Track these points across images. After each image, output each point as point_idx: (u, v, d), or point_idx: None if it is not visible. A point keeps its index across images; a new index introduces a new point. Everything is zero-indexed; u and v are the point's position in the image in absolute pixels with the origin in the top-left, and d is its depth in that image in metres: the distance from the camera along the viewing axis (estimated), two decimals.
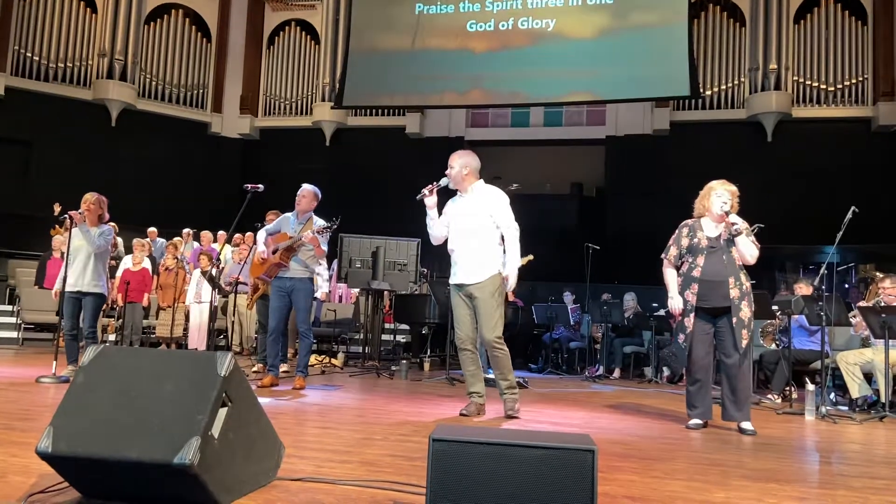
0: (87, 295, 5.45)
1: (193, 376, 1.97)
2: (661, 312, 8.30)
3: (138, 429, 1.89)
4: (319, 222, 5.77)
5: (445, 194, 4.66)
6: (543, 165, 14.67)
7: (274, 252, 5.71)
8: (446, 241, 4.60)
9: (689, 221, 4.53)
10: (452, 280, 4.49)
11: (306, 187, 5.93)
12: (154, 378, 1.98)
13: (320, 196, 5.98)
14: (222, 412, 1.97)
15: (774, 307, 6.13)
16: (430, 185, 4.55)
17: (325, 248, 5.83)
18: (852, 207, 5.21)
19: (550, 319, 9.15)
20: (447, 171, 4.52)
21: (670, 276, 4.52)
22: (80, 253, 5.43)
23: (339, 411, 4.45)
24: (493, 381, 4.57)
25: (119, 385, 1.98)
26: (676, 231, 4.55)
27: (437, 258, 12.52)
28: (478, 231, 4.41)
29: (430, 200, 4.55)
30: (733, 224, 4.26)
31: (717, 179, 4.49)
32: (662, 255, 4.56)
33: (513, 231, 4.41)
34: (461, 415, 4.36)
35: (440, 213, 4.65)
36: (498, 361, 4.37)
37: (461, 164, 4.49)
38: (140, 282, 8.43)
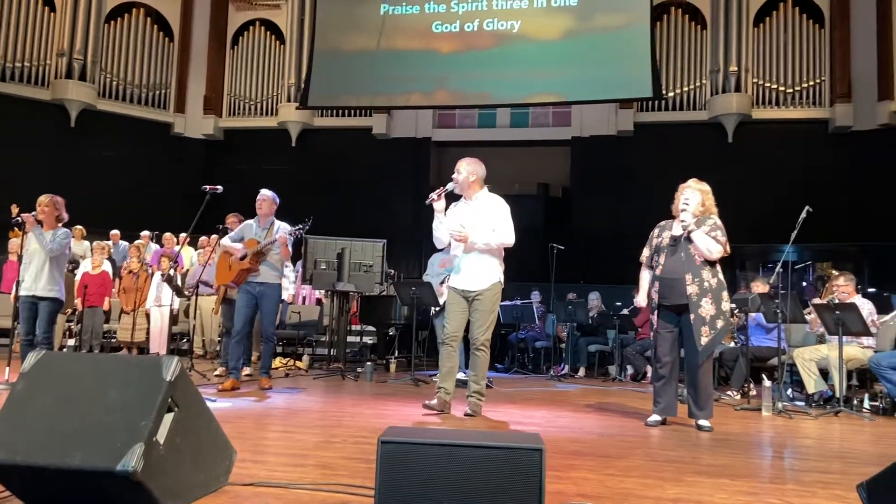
0: (42, 300, 5.33)
1: (138, 382, 1.94)
2: (625, 311, 8.39)
3: (81, 436, 1.85)
4: (284, 226, 5.78)
5: (449, 197, 4.72)
6: (510, 166, 14.71)
7: (242, 258, 5.69)
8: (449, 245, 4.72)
9: (662, 222, 4.60)
10: (454, 283, 4.62)
11: (265, 193, 5.96)
12: (97, 384, 1.95)
13: (278, 201, 6.00)
14: (168, 418, 1.94)
15: (732, 305, 6.23)
16: (439, 190, 4.64)
17: (290, 249, 5.86)
18: (806, 207, 5.33)
19: (517, 319, 9.19)
20: (454, 176, 4.64)
21: (642, 277, 4.66)
22: (36, 257, 5.31)
23: (300, 415, 4.41)
24: (466, 382, 4.65)
25: (61, 391, 1.94)
26: (651, 232, 4.63)
27: (403, 259, 12.55)
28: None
29: (439, 205, 4.63)
30: (682, 221, 4.34)
31: (689, 179, 4.57)
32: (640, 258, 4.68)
33: (508, 240, 4.54)
34: (424, 406, 4.46)
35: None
36: (478, 362, 4.50)
37: (469, 170, 4.62)
38: (100, 285, 8.28)
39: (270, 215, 5.92)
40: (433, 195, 4.61)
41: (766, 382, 5.30)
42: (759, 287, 6.42)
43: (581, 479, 2.72)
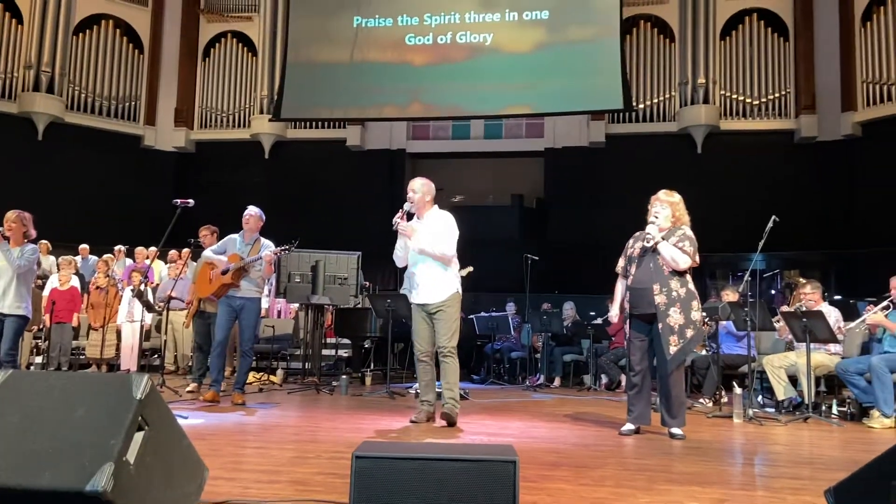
0: (8, 317, 5.22)
1: (107, 400, 1.92)
2: (599, 321, 8.46)
3: (49, 456, 1.82)
4: (268, 244, 5.80)
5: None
6: (485, 177, 14.81)
7: (224, 272, 5.67)
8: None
9: (638, 233, 4.65)
10: (413, 299, 4.79)
11: (252, 209, 6.01)
12: (65, 403, 1.92)
13: (265, 218, 6.05)
14: (139, 436, 1.92)
15: (703, 313, 6.31)
16: (399, 213, 4.75)
17: (273, 268, 5.88)
18: (773, 217, 5.43)
19: (492, 330, 9.22)
20: (410, 196, 4.78)
21: (616, 288, 4.73)
22: (4, 274, 5.20)
23: (274, 430, 4.38)
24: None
25: (28, 411, 1.91)
26: (626, 243, 4.69)
27: (378, 271, 12.51)
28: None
29: (405, 225, 4.72)
30: (647, 233, 4.41)
31: (660, 191, 4.63)
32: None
33: (447, 251, 4.64)
34: (411, 422, 4.62)
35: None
36: (448, 370, 4.63)
37: (424, 190, 4.79)
38: (69, 301, 8.14)
39: (256, 232, 5.97)
40: (397, 219, 4.71)
41: (737, 390, 5.37)
42: (729, 296, 6.52)
43: (556, 489, 2.74)
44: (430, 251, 4.63)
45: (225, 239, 6.04)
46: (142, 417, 1.93)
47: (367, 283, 10.62)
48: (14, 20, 13.02)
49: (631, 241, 4.64)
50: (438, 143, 14.53)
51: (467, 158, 14.48)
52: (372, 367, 8.92)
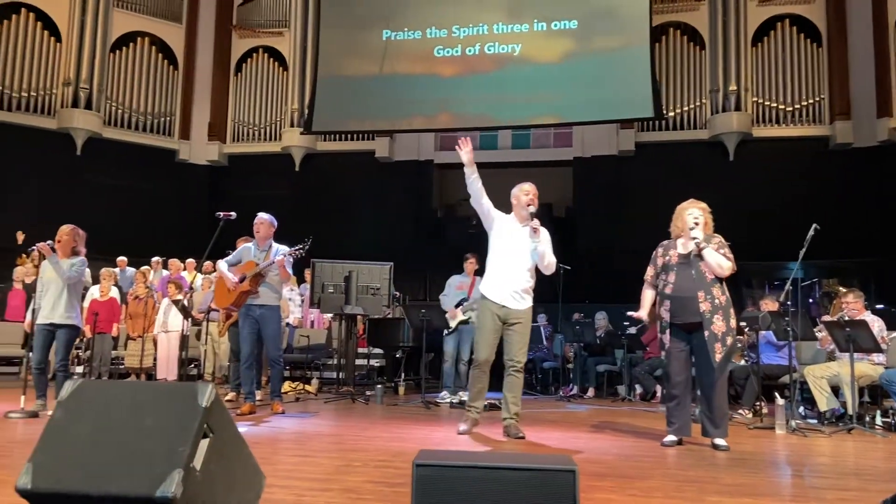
0: (60, 327, 5.35)
1: (174, 408, 1.97)
2: (633, 331, 8.41)
3: (119, 463, 1.87)
4: (282, 248, 5.81)
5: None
6: (512, 187, 14.81)
7: (241, 280, 5.71)
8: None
9: (665, 242, 4.64)
10: (494, 297, 4.62)
11: (262, 216, 5.99)
12: (134, 411, 1.97)
13: (276, 223, 6.03)
14: (204, 443, 1.96)
15: (742, 323, 6.26)
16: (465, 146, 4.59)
17: (289, 270, 5.87)
18: (814, 225, 5.36)
19: None
20: (530, 199, 4.66)
21: (644, 296, 4.68)
22: (53, 285, 5.34)
23: (316, 439, 4.42)
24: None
25: (99, 419, 1.97)
26: (654, 252, 4.66)
27: (407, 282, 12.55)
28: (531, 259, 4.63)
29: (467, 155, 4.59)
30: (694, 238, 4.36)
31: (686, 200, 4.62)
32: (644, 276, 4.70)
33: (552, 264, 4.66)
34: (461, 433, 4.54)
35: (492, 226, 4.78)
36: (516, 385, 4.59)
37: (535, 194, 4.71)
38: (109, 312, 8.30)
39: (269, 238, 5.95)
40: (462, 140, 4.58)
41: (780, 401, 5.31)
42: (769, 305, 6.45)
43: (605, 500, 2.73)
44: (549, 257, 4.59)
45: (239, 248, 6.07)
46: (207, 425, 1.97)
47: (398, 293, 10.67)
48: (53, 38, 13.37)
49: (661, 250, 4.61)
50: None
51: (495, 169, 14.48)
52: (404, 376, 8.94)
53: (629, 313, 4.75)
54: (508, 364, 4.59)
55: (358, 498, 2.62)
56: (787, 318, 5.53)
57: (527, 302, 4.64)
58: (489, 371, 4.66)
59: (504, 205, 4.91)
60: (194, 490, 1.88)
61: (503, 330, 4.61)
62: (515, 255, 4.64)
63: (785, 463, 4.06)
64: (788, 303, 5.60)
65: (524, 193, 4.70)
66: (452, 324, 7.27)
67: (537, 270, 4.72)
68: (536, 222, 4.55)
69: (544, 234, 4.62)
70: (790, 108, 12.65)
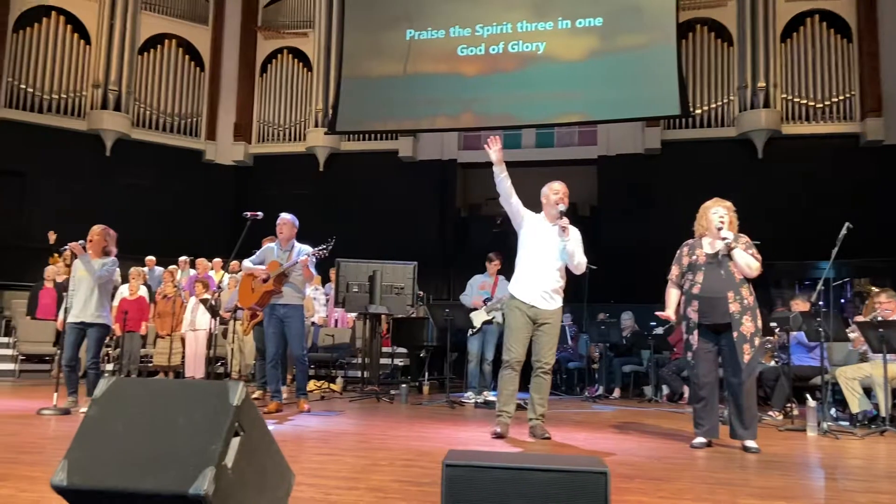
0: (91, 326, 5.44)
1: (206, 406, 1.98)
2: (660, 331, 8.32)
3: (153, 460, 1.89)
4: (305, 248, 5.84)
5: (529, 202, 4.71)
6: (536, 186, 14.70)
7: (265, 280, 5.75)
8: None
9: (689, 241, 4.59)
10: (523, 297, 4.56)
11: (285, 216, 6.02)
12: (167, 409, 1.99)
13: (297, 224, 6.06)
14: (235, 441, 1.97)
15: (773, 324, 6.16)
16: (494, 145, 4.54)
17: (313, 271, 5.90)
18: (846, 223, 5.27)
19: None
20: (560, 198, 4.60)
21: (670, 295, 4.62)
22: (84, 284, 5.43)
23: (341, 437, 4.44)
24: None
25: (133, 416, 1.99)
26: (678, 251, 4.61)
27: (431, 281, 12.58)
28: (560, 259, 4.57)
29: (496, 154, 4.54)
30: (724, 238, 4.31)
31: (710, 199, 4.57)
32: (668, 276, 4.64)
33: (582, 265, 4.60)
34: (497, 436, 4.41)
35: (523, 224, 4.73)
36: (543, 386, 4.56)
37: (565, 191, 4.65)
38: (138, 310, 8.41)
39: (291, 238, 5.97)
40: (491, 139, 4.54)
41: (811, 402, 5.21)
42: (800, 305, 6.34)
43: (635, 502, 2.71)
44: (579, 257, 4.55)
45: (262, 249, 6.10)
46: (238, 423, 1.98)
47: (422, 292, 10.68)
48: (82, 41, 13.59)
49: (686, 249, 4.56)
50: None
51: (518, 168, 14.40)
52: (428, 376, 8.95)
53: (657, 313, 4.67)
54: (536, 365, 4.54)
55: (385, 497, 2.62)
56: (818, 319, 5.43)
57: (556, 302, 4.60)
58: (520, 372, 4.59)
59: (529, 206, 4.87)
60: (226, 488, 1.89)
61: (533, 333, 4.55)
62: (545, 254, 4.59)
63: (817, 465, 3.99)
64: (820, 303, 5.50)
65: (553, 192, 4.64)
66: (476, 320, 7.25)
67: (568, 271, 4.68)
68: (565, 221, 4.50)
69: (574, 233, 4.57)
70: (820, 105, 12.44)
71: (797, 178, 12.19)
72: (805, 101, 12.50)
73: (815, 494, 3.11)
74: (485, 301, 7.33)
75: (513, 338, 4.53)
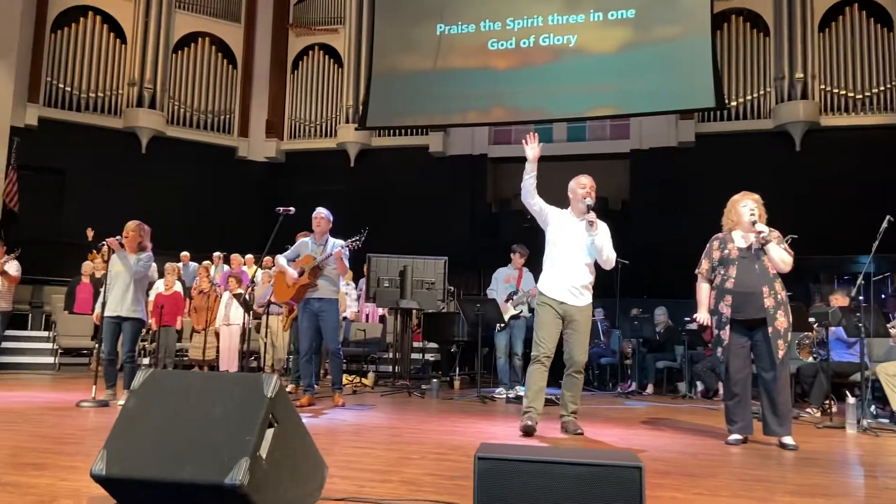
0: (126, 320, 5.55)
1: (241, 398, 2.00)
2: (694, 326, 8.20)
3: (189, 450, 1.92)
4: (339, 242, 5.88)
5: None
6: (567, 181, 14.63)
7: (300, 274, 5.80)
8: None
9: (719, 235, 4.52)
10: (552, 294, 4.49)
11: (321, 211, 6.07)
12: (203, 400, 2.02)
13: (332, 218, 6.10)
14: (269, 433, 2.00)
15: (811, 319, 6.03)
16: (533, 141, 4.52)
17: (347, 263, 5.92)
18: (888, 217, 5.13)
19: None
20: (588, 192, 4.53)
21: (701, 290, 4.53)
22: (120, 279, 5.54)
23: (374, 431, 4.46)
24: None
25: (169, 408, 2.02)
26: (708, 245, 4.53)
27: (462, 276, 12.56)
28: (588, 254, 4.51)
29: (532, 151, 4.50)
30: (760, 232, 4.23)
31: (738, 193, 4.49)
32: (696, 270, 4.55)
33: (612, 259, 4.54)
34: (525, 433, 4.31)
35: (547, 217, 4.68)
36: (576, 384, 4.51)
37: (592, 185, 4.57)
38: (173, 305, 8.55)
39: (326, 232, 6.03)
40: (530, 136, 4.50)
41: (851, 399, 5.10)
42: (839, 300, 6.20)
43: (670, 498, 2.67)
44: (608, 251, 4.48)
45: (297, 243, 6.15)
46: (272, 415, 2.01)
47: (453, 287, 10.68)
48: (118, 40, 13.85)
49: (716, 243, 4.47)
50: (520, 147, 14.21)
51: (550, 162, 14.31)
52: (458, 371, 8.96)
53: (694, 317, 4.56)
54: (569, 364, 4.47)
55: (417, 490, 2.63)
56: (858, 314, 5.31)
57: (586, 298, 4.53)
58: (549, 368, 4.49)
59: (559, 200, 4.82)
60: (261, 478, 1.92)
61: (564, 330, 4.49)
62: (573, 250, 4.52)
63: (856, 463, 3.91)
64: (860, 298, 5.37)
65: (580, 186, 4.58)
66: (505, 317, 7.23)
67: (597, 266, 4.61)
68: (593, 215, 4.44)
69: (602, 227, 4.50)
70: (860, 96, 12.12)
71: (836, 171, 11.90)
72: (844, 92, 12.19)
73: (854, 492, 3.04)
74: (510, 295, 7.30)
75: (542, 332, 4.46)
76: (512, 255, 7.54)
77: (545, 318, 4.49)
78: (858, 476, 3.53)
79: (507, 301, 7.33)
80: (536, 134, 4.58)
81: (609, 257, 4.52)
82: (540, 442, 4.16)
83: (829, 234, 10.53)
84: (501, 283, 7.52)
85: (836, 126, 12.14)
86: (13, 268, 7.96)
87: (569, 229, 4.57)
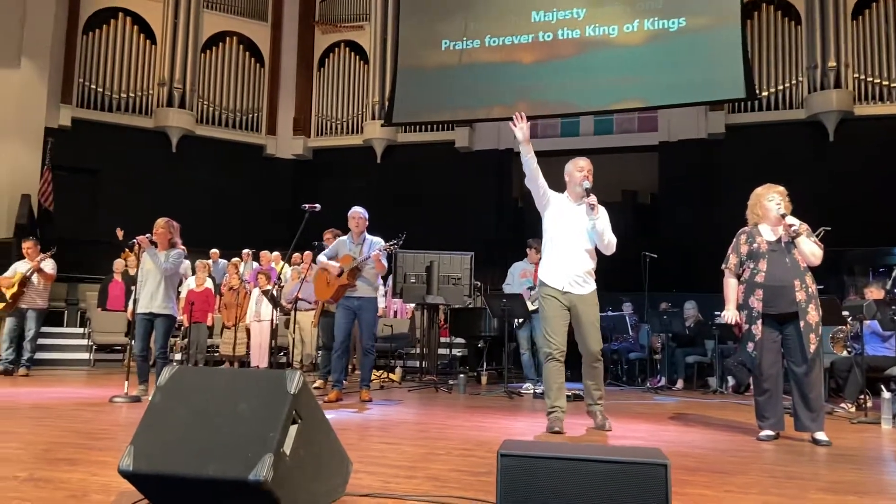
0: (158, 316, 5.64)
1: (265, 394, 2.02)
2: (723, 321, 8.08)
3: (214, 446, 1.94)
4: (377, 241, 5.92)
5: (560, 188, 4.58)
6: (595, 174, 14.47)
7: (339, 274, 5.84)
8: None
9: (746, 229, 4.44)
10: (554, 284, 4.35)
11: (356, 210, 6.10)
12: (228, 397, 2.04)
13: (367, 216, 6.15)
14: (293, 429, 2.01)
15: (845, 312, 5.91)
16: (520, 122, 4.37)
17: (385, 263, 5.95)
18: None
19: (609, 330, 9.01)
20: (585, 175, 4.40)
21: (729, 286, 4.43)
22: (151, 276, 5.63)
23: (401, 426, 4.47)
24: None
25: (195, 404, 2.05)
26: (734, 239, 4.46)
27: (488, 271, 12.54)
28: (589, 240, 4.40)
29: (521, 132, 4.33)
30: (791, 225, 4.14)
31: (761, 186, 4.41)
32: (723, 266, 4.47)
33: (612, 243, 4.42)
34: (554, 432, 4.18)
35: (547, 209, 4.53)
36: (597, 374, 4.40)
37: (590, 168, 4.45)
38: (204, 302, 8.67)
39: (363, 231, 6.07)
40: (517, 115, 4.33)
41: (886, 394, 4.98)
42: (874, 293, 6.05)
43: (699, 495, 2.63)
44: (608, 236, 4.35)
45: (335, 242, 6.20)
46: (296, 411, 2.02)
47: (479, 283, 10.67)
48: (148, 41, 14.07)
49: (744, 237, 4.39)
50: (547, 140, 14.34)
51: (577, 156, 14.22)
52: (486, 366, 8.95)
53: (724, 317, 4.46)
54: (586, 356, 4.37)
55: (442, 485, 2.63)
56: (893, 307, 5.18)
57: (590, 285, 4.38)
58: (564, 363, 4.38)
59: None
60: (284, 474, 1.93)
61: (572, 321, 4.36)
62: (572, 236, 4.37)
63: (892, 459, 3.82)
64: (895, 290, 5.25)
65: (578, 169, 4.42)
66: (531, 307, 7.19)
67: (612, 258, 4.51)
68: (593, 198, 4.27)
69: (602, 211, 4.36)
70: (894, 84, 11.82)
71: (871, 161, 11.63)
72: (878, 81, 11.90)
73: (889, 489, 2.96)
74: (528, 290, 7.25)
75: (551, 327, 4.31)
76: (528, 249, 7.48)
77: (551, 311, 4.34)
78: (893, 473, 3.45)
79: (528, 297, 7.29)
80: (523, 113, 4.38)
81: (610, 241, 4.39)
82: (567, 438, 4.13)
83: (864, 226, 10.31)
84: (517, 277, 7.48)
85: (870, 115, 11.86)
86: (49, 266, 8.14)
87: (568, 214, 4.43)
